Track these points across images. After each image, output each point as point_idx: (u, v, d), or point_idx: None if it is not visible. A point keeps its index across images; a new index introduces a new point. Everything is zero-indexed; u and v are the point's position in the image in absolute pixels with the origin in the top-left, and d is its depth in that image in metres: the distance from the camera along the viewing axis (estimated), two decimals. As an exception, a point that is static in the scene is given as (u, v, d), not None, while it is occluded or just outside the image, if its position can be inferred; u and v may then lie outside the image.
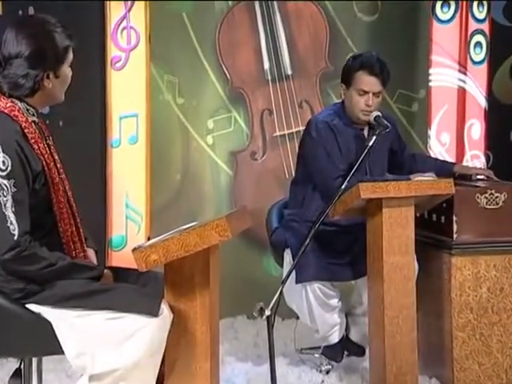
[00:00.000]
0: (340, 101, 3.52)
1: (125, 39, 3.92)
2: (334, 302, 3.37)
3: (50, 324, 2.29)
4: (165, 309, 2.27)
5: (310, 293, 3.31)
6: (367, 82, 3.34)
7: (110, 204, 3.94)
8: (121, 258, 3.89)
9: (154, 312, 2.25)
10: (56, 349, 2.29)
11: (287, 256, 3.46)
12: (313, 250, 3.28)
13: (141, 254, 2.23)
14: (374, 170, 3.44)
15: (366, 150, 3.21)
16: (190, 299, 2.31)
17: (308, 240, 3.01)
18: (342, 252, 3.38)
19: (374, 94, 3.35)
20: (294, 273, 3.26)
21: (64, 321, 2.28)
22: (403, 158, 3.64)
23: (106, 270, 2.45)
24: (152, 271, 2.36)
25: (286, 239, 3.47)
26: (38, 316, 2.30)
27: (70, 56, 2.41)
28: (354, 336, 3.53)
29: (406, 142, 3.79)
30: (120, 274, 2.51)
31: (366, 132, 3.46)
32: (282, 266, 3.55)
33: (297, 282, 3.29)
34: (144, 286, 2.46)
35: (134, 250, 2.25)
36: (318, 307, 3.33)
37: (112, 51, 3.92)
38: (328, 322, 3.38)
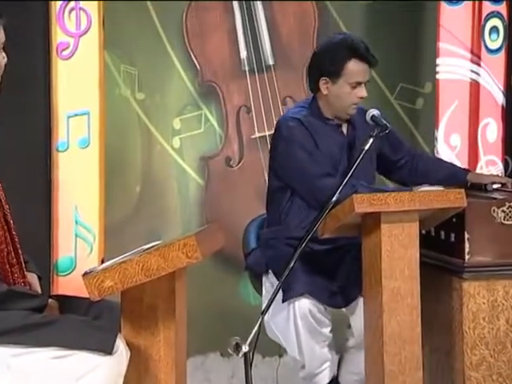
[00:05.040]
0: (310, 96, 3.55)
1: (73, 22, 3.92)
2: (326, 331, 3.39)
3: (-18, 364, 2.28)
4: (121, 345, 2.27)
5: (299, 317, 3.32)
6: (361, 71, 3.39)
7: (56, 220, 3.93)
8: (69, 285, 3.88)
9: (107, 349, 2.24)
10: (-10, 394, 2.28)
11: (267, 282, 3.47)
12: (300, 268, 3.30)
13: (93, 280, 2.22)
14: (358, 175, 3.46)
15: (361, 154, 3.23)
16: (151, 333, 2.31)
17: (294, 261, 3.02)
18: (330, 274, 3.40)
19: (365, 83, 3.42)
20: (279, 295, 3.28)
21: (-1, 360, 2.27)
22: (403, 158, 3.65)
23: (50, 300, 2.44)
24: (106, 300, 2.35)
25: (264, 262, 3.48)
26: (-32, 355, 2.28)
27: (1, 36, 2.39)
28: (345, 376, 3.53)
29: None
30: (67, 303, 2.50)
31: (344, 129, 3.51)
32: (261, 293, 3.57)
33: (284, 300, 3.31)
34: (96, 318, 2.45)
35: (85, 274, 2.25)
36: (307, 335, 3.34)
37: (58, 37, 3.91)
38: (317, 355, 3.39)
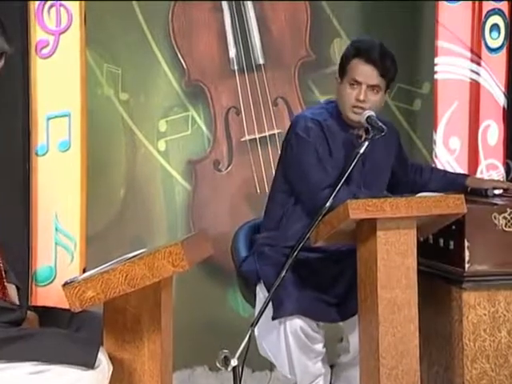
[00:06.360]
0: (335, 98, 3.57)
1: (53, 20, 3.91)
2: (319, 347, 3.39)
3: (-44, 380, 2.27)
4: (103, 359, 2.27)
5: (290, 334, 3.32)
6: (361, 70, 3.40)
7: (35, 227, 3.92)
8: (48, 295, 3.86)
9: (89, 363, 2.24)
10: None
11: (260, 292, 3.47)
12: (293, 281, 3.29)
13: (74, 290, 2.22)
14: (370, 187, 3.47)
15: (356, 158, 3.23)
16: (135, 346, 2.31)
17: (285, 271, 3.02)
18: (327, 286, 3.40)
19: (369, 86, 3.40)
20: (268, 310, 3.27)
21: (-26, 376, 2.26)
22: (406, 175, 3.68)
23: (29, 312, 2.43)
24: (88, 311, 2.35)
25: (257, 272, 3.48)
26: None
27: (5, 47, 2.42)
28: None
29: (406, 148, 3.83)
30: (48, 315, 2.50)
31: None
32: (252, 304, 3.56)
33: (274, 317, 3.30)
34: (77, 331, 2.45)
35: (66, 284, 2.25)
36: (298, 352, 3.34)
37: (37, 34, 3.91)
38: (310, 371, 3.39)
